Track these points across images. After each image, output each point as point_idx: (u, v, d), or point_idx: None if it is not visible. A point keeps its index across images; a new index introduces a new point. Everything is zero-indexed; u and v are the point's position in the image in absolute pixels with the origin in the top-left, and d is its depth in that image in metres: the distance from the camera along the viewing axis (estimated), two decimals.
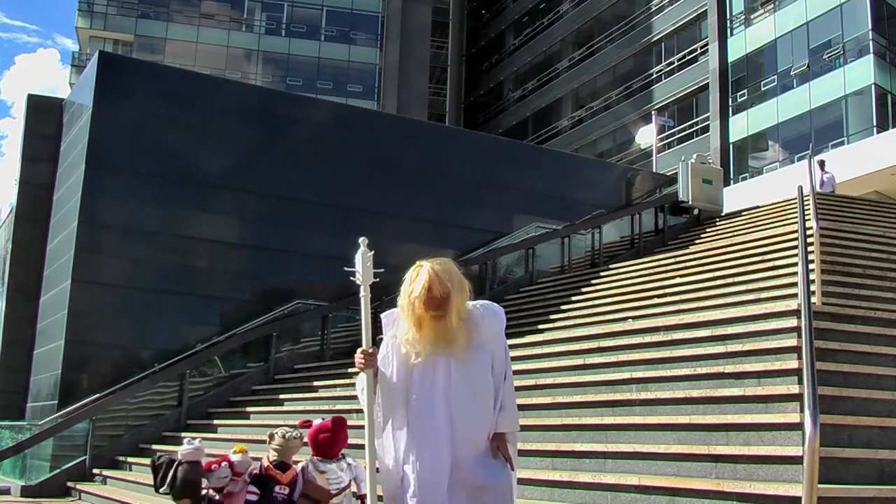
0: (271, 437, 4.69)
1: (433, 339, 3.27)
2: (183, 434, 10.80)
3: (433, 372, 3.31)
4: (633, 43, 37.91)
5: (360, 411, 9.77)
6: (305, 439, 4.55)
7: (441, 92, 49.07)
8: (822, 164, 18.62)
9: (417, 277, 3.30)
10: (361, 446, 3.48)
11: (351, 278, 3.40)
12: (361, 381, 3.40)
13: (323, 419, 4.55)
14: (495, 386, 3.33)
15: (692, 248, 12.70)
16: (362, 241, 3.42)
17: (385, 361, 3.36)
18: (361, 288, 3.44)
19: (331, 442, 4.42)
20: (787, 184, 17.36)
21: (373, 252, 3.48)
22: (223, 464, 4.69)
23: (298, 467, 4.52)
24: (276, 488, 4.49)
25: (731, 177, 29.84)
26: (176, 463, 4.78)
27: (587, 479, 5.40)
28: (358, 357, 3.32)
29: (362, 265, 3.45)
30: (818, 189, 17.71)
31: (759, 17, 31.65)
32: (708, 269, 10.56)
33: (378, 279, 3.48)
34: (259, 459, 4.70)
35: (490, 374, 3.33)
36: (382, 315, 3.45)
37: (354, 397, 9.96)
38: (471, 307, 3.37)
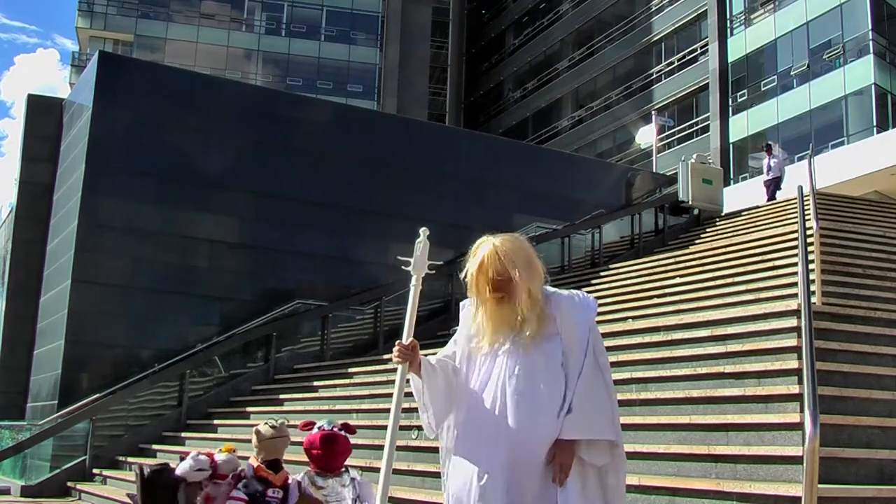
0: (257, 432, 4.16)
1: (494, 325, 2.92)
2: (183, 434, 10.82)
3: (492, 363, 2.94)
4: (633, 43, 37.90)
5: (360, 411, 9.64)
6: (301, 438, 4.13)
7: (441, 92, 49.07)
8: (769, 147, 18.65)
9: (476, 253, 2.96)
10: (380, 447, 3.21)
11: (404, 267, 3.14)
12: (413, 379, 3.09)
13: (324, 425, 4.05)
14: (568, 383, 2.86)
15: (692, 248, 12.70)
16: (423, 231, 3.16)
17: (457, 353, 3.06)
18: (413, 277, 3.16)
19: (325, 458, 3.96)
20: (788, 184, 17.36)
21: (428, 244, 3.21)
22: (201, 456, 4.22)
23: (294, 478, 4.03)
24: (270, 491, 4.00)
25: (731, 177, 29.84)
26: (182, 484, 4.18)
27: None
28: (396, 350, 3.02)
29: (420, 254, 3.17)
30: (765, 175, 17.75)
31: (759, 17, 31.65)
32: (708, 269, 10.56)
33: (434, 271, 3.23)
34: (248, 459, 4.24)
35: (558, 368, 2.87)
36: (462, 303, 3.14)
37: (355, 397, 9.99)
38: (550, 293, 2.98)
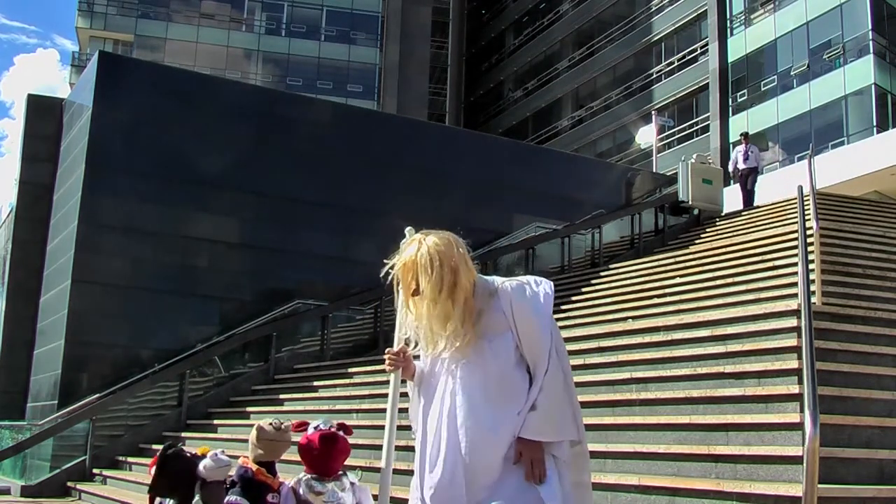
0: (259, 429, 3.96)
1: (424, 332, 2.83)
2: (183, 434, 10.81)
3: (440, 369, 2.84)
4: (633, 43, 37.91)
5: (360, 411, 9.63)
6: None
7: (441, 92, 49.08)
8: (745, 135, 18.57)
9: (399, 254, 2.87)
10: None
11: (389, 270, 2.95)
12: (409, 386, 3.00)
13: (320, 425, 3.81)
14: (533, 380, 2.71)
15: (692, 248, 12.70)
16: (409, 230, 3.00)
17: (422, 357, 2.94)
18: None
19: (321, 459, 3.71)
20: (787, 184, 17.35)
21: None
22: (222, 455, 4.08)
23: (289, 484, 3.79)
24: (269, 496, 3.80)
25: (732, 177, 29.81)
26: (199, 484, 4.04)
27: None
28: (386, 357, 3.00)
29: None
30: (741, 164, 17.57)
31: (759, 17, 31.66)
32: (708, 269, 10.56)
33: None
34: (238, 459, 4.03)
35: (511, 366, 2.73)
36: None
37: (355, 397, 9.99)
38: (497, 286, 2.81)
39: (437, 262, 2.74)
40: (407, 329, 2.92)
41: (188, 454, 4.19)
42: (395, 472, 7.14)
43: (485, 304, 2.78)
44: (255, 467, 3.89)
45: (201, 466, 4.05)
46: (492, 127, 44.81)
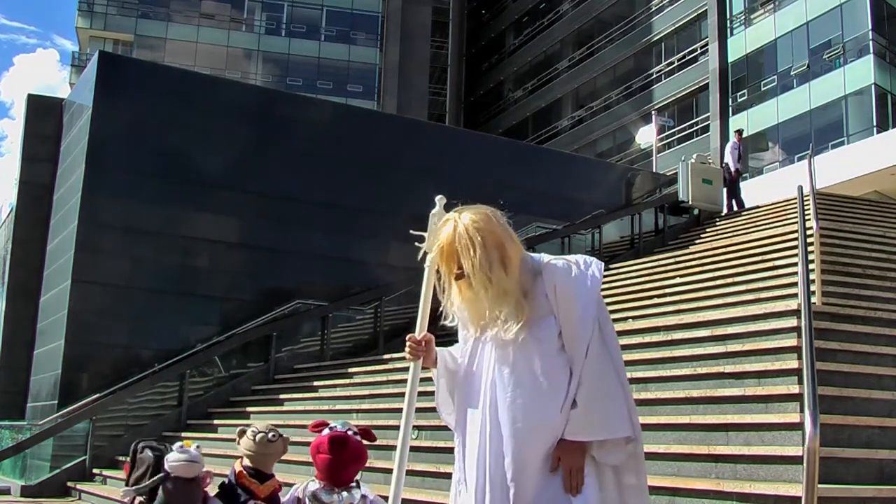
0: (241, 434, 3.62)
1: (469, 314, 2.57)
2: (183, 434, 10.81)
3: (482, 354, 2.58)
4: (633, 43, 37.91)
5: (360, 411, 9.63)
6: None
7: (441, 92, 49.07)
8: (739, 132, 18.55)
9: (437, 237, 2.60)
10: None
11: (418, 244, 2.73)
12: (437, 401, 2.75)
13: (336, 426, 3.36)
14: (573, 373, 2.44)
15: (692, 248, 12.70)
16: (439, 199, 2.76)
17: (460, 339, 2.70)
18: (428, 257, 2.72)
19: (332, 465, 3.25)
20: (787, 184, 17.34)
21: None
22: (190, 448, 3.76)
23: (295, 492, 3.34)
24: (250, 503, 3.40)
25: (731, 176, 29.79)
26: (161, 477, 3.66)
27: None
28: (407, 345, 2.72)
29: (430, 229, 2.72)
30: (733, 162, 17.52)
31: (759, 17, 31.66)
32: (708, 269, 10.56)
33: None
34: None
35: (554, 355, 2.45)
36: None
37: (355, 397, 9.99)
38: (542, 265, 2.56)
39: (479, 239, 2.48)
40: (449, 313, 2.64)
41: (158, 447, 3.94)
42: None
43: (529, 284, 2.53)
44: (238, 469, 3.58)
45: (165, 459, 3.71)
46: (492, 127, 44.80)
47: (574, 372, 2.44)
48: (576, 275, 2.54)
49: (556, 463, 2.42)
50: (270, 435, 3.59)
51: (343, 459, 3.24)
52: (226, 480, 3.64)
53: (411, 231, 2.75)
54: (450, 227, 2.53)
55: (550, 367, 2.44)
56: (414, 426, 7.30)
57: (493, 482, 2.43)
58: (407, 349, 2.71)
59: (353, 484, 3.30)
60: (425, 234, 2.74)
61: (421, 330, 2.73)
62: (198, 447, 3.81)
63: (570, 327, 2.47)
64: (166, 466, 3.69)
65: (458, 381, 2.64)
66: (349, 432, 3.31)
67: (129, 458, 3.97)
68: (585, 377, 2.43)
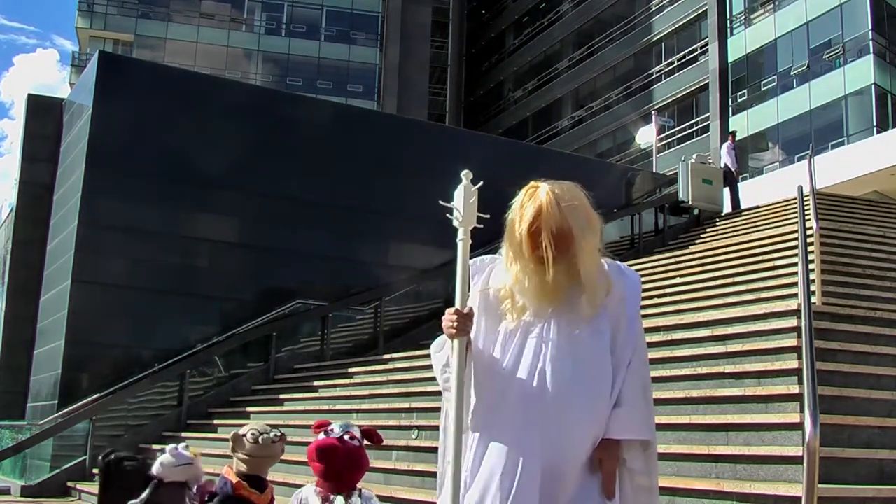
0: (236, 439, 3.29)
1: (541, 294, 2.39)
2: (183, 434, 10.81)
3: (524, 339, 2.41)
4: (633, 43, 37.91)
5: (360, 411, 9.57)
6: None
7: (441, 92, 49.07)
8: (733, 134, 18.57)
9: (530, 201, 2.43)
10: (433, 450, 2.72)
11: (448, 215, 2.57)
12: (441, 356, 2.49)
13: (334, 428, 3.13)
14: (614, 371, 2.41)
15: (692, 248, 12.70)
16: (465, 174, 2.59)
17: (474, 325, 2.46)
18: (460, 230, 2.56)
19: (324, 474, 3.04)
20: (787, 184, 17.34)
21: (477, 186, 2.62)
22: (182, 450, 3.53)
23: (298, 499, 3.10)
24: None
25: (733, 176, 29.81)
26: (154, 485, 3.44)
27: None
28: (448, 318, 2.39)
29: (464, 202, 2.57)
30: (727, 159, 17.53)
31: (759, 17, 31.66)
32: (708, 269, 10.56)
33: (482, 225, 2.59)
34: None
35: (604, 351, 2.41)
36: (470, 262, 2.56)
37: (355, 397, 9.98)
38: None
39: (587, 212, 2.47)
40: (500, 286, 2.48)
41: (134, 457, 3.69)
42: (395, 472, 7.10)
43: (600, 271, 2.49)
44: (234, 479, 3.24)
45: (157, 462, 3.50)
46: (492, 127, 44.80)
47: (618, 370, 2.42)
48: (626, 272, 2.57)
49: (597, 463, 2.35)
50: (273, 435, 3.31)
51: (335, 468, 3.02)
52: (216, 489, 3.27)
53: (440, 202, 2.60)
54: (541, 193, 2.43)
55: (605, 363, 2.40)
56: (414, 426, 7.28)
57: (526, 478, 2.29)
58: (453, 324, 2.37)
59: (356, 490, 3.08)
60: (456, 207, 2.56)
61: (462, 303, 2.45)
62: (186, 445, 3.61)
63: (620, 324, 2.46)
64: (158, 472, 3.49)
65: (479, 373, 2.44)
66: (346, 437, 3.08)
67: (99, 474, 3.61)
68: (630, 376, 2.42)
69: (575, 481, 2.32)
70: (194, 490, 3.37)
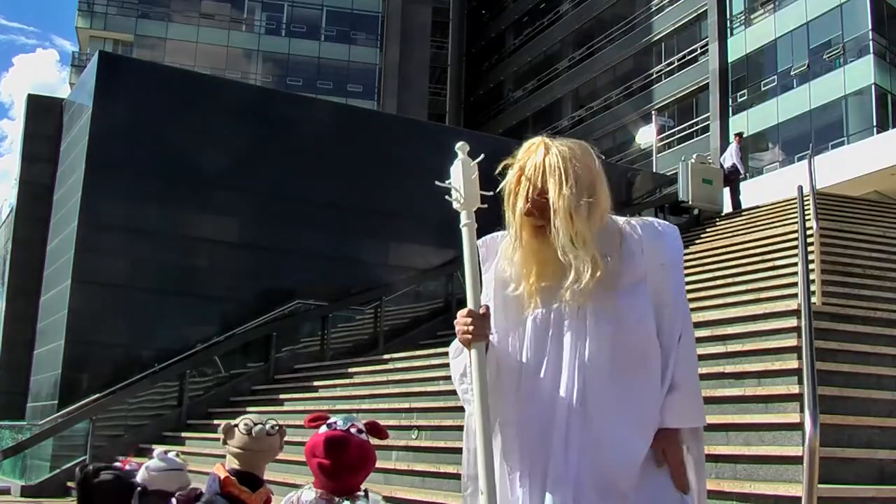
0: (228, 430, 2.93)
1: (535, 267, 2.05)
2: (183, 434, 10.81)
3: (546, 328, 2.05)
4: (633, 43, 37.91)
5: (360, 411, 9.57)
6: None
7: (441, 92, 49.06)
8: (740, 135, 18.58)
9: (522, 157, 2.18)
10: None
11: (446, 196, 2.21)
12: (459, 363, 2.11)
13: (337, 422, 2.70)
14: (664, 351, 2.03)
15: (692, 248, 12.69)
16: (461, 146, 2.32)
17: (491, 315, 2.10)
18: (462, 214, 2.17)
19: (329, 472, 2.59)
20: (788, 184, 17.34)
21: (477, 160, 2.30)
22: (173, 455, 3.31)
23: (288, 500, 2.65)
24: None
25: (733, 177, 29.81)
26: (138, 491, 3.20)
27: None
28: (461, 322, 2.02)
29: (464, 180, 2.21)
30: (735, 160, 17.51)
31: (759, 17, 31.66)
32: (708, 269, 10.57)
33: (486, 205, 2.22)
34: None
35: (651, 330, 2.03)
36: (479, 241, 2.18)
37: (355, 397, 9.98)
38: (621, 224, 2.12)
39: (573, 169, 2.07)
40: (505, 267, 2.14)
41: (113, 468, 3.42)
42: (395, 472, 7.11)
43: (608, 244, 2.06)
44: (223, 475, 2.90)
45: (143, 468, 3.24)
46: (492, 127, 44.79)
47: (669, 350, 2.05)
48: (663, 230, 2.13)
49: (662, 456, 2.02)
50: (269, 426, 2.93)
51: (343, 465, 2.59)
52: (199, 490, 2.98)
53: (436, 183, 2.26)
54: (541, 149, 2.13)
55: (648, 340, 2.03)
56: (414, 426, 7.27)
57: (559, 485, 1.97)
58: (467, 329, 2.00)
59: (362, 493, 2.65)
60: (454, 186, 2.21)
61: (475, 302, 2.05)
62: (176, 453, 3.39)
63: (662, 296, 2.06)
64: (143, 478, 3.24)
65: (504, 382, 2.09)
66: (352, 430, 2.67)
67: (77, 486, 3.37)
68: (683, 354, 2.06)
69: (637, 479, 1.98)
70: (174, 498, 3.06)
